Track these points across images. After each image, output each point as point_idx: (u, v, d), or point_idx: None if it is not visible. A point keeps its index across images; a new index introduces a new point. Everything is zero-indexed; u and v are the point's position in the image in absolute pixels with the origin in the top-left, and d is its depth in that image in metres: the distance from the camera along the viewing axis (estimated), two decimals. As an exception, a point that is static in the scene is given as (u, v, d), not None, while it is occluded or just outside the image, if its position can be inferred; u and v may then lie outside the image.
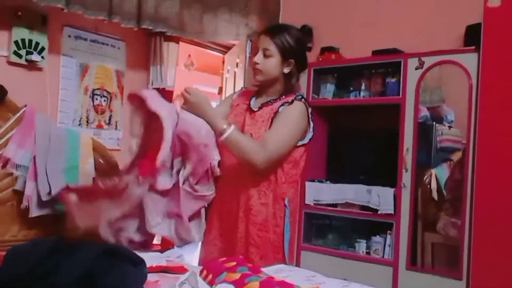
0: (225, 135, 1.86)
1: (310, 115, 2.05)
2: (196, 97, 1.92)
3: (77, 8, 2.93)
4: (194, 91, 1.95)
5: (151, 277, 1.62)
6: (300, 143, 2.04)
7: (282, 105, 2.01)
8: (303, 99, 2.05)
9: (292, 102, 2.01)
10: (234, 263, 1.51)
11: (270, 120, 2.01)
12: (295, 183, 2.07)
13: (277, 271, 1.60)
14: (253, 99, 2.13)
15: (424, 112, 3.42)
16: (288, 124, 1.99)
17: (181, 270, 1.69)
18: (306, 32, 2.13)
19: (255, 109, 2.07)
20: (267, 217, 1.99)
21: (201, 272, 1.49)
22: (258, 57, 2.02)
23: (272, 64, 2.00)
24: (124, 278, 1.38)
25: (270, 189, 2.00)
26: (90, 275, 1.29)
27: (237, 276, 1.42)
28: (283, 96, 2.06)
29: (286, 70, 2.03)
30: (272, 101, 2.06)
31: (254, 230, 1.98)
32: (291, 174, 2.04)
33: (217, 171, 1.97)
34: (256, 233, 1.98)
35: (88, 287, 1.27)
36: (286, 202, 2.01)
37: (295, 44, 2.01)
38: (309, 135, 2.06)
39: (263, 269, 1.57)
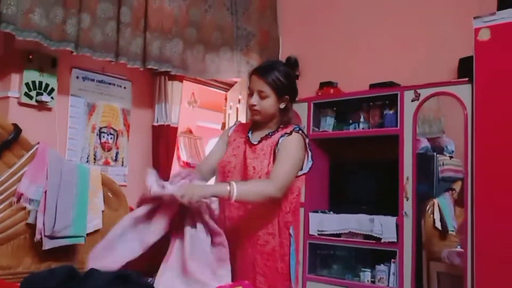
0: (234, 194, 1.86)
1: (308, 146, 2.12)
2: (187, 190, 1.84)
3: (85, 50, 3.09)
4: (181, 189, 1.86)
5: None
6: (300, 173, 2.10)
7: (282, 135, 2.08)
8: (300, 131, 2.12)
9: (291, 133, 2.08)
10: (240, 287, 1.57)
11: (271, 151, 2.08)
12: (297, 211, 2.13)
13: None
14: (250, 132, 2.18)
15: (425, 143, 3.50)
16: (291, 157, 2.04)
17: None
18: (293, 64, 2.19)
19: (255, 143, 2.12)
20: (275, 246, 2.02)
21: (209, 296, 1.55)
22: (255, 99, 2.07)
23: (268, 104, 2.07)
24: (136, 303, 1.45)
25: (276, 220, 2.04)
26: (103, 300, 1.36)
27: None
28: (281, 128, 2.13)
29: (282, 106, 2.10)
30: (270, 134, 2.12)
31: (261, 260, 2.01)
32: (294, 203, 2.10)
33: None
34: (263, 263, 2.01)
35: (102, 311, 1.34)
36: (291, 230, 2.06)
37: (287, 81, 2.07)
38: (309, 164, 2.12)
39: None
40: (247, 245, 2.04)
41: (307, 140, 2.13)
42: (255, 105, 2.08)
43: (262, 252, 2.01)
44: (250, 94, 2.11)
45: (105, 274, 1.46)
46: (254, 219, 2.04)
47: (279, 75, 2.06)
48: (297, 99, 2.21)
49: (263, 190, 1.94)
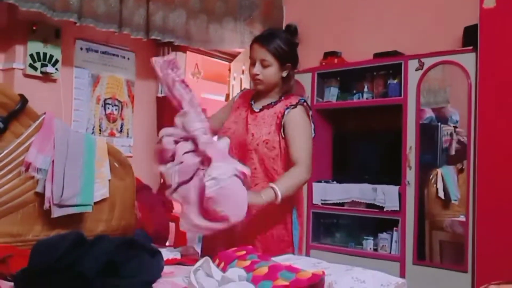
0: (279, 197, 1.91)
1: (311, 117, 2.14)
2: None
3: (89, 21, 3.08)
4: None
5: (167, 269, 1.73)
6: None
7: (287, 108, 2.08)
8: (305, 103, 2.13)
9: (296, 106, 2.08)
10: (244, 252, 1.62)
11: (276, 122, 2.08)
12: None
13: (284, 260, 1.70)
14: (253, 101, 2.19)
15: (429, 113, 3.50)
16: (304, 131, 2.07)
17: (195, 262, 1.79)
18: (293, 32, 2.22)
19: (257, 110, 2.14)
20: (270, 214, 2.02)
21: (214, 260, 1.59)
22: (257, 68, 2.07)
23: (271, 72, 2.07)
24: (144, 266, 1.49)
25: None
26: (112, 264, 1.40)
27: (247, 263, 1.53)
28: (283, 97, 2.13)
29: (284, 74, 2.11)
30: (273, 103, 2.13)
31: (260, 226, 2.05)
32: None
33: None
34: (261, 229, 2.06)
35: (111, 274, 1.39)
36: (294, 210, 2.12)
37: (288, 48, 2.08)
38: (312, 135, 2.15)
39: (272, 258, 1.67)
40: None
41: (310, 112, 2.15)
42: (258, 75, 2.08)
43: (258, 218, 1.99)
44: (252, 64, 2.11)
45: (113, 240, 1.50)
46: (254, 187, 2.04)
47: (281, 43, 2.05)
48: (298, 67, 2.21)
49: (300, 181, 2.01)
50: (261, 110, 2.14)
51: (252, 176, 2.00)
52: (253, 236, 2.07)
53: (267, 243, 2.06)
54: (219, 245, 2.00)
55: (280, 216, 2.09)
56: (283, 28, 2.24)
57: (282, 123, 2.07)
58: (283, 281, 1.38)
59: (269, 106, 2.12)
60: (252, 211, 1.85)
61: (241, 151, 2.09)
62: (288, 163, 2.07)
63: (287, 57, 2.08)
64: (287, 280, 1.38)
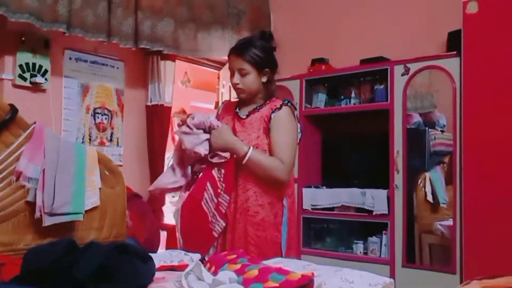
0: (247, 156, 2.04)
1: (296, 117, 2.19)
2: (221, 129, 2.12)
3: (78, 31, 3.11)
4: (221, 125, 2.14)
5: (158, 274, 1.75)
6: None
7: (273, 111, 2.14)
8: (289, 103, 2.18)
9: (281, 107, 2.13)
10: (235, 255, 1.64)
11: (263, 126, 2.13)
12: (291, 182, 2.20)
13: (275, 263, 1.72)
14: (238, 108, 2.24)
15: (417, 118, 3.55)
16: (288, 131, 2.13)
17: (186, 267, 1.81)
18: (268, 37, 2.24)
19: (244, 117, 2.18)
20: (264, 217, 2.09)
21: (205, 264, 1.61)
22: (237, 78, 2.14)
23: (250, 80, 2.13)
24: (135, 271, 1.51)
25: (266, 191, 2.11)
26: (104, 269, 1.42)
27: (238, 266, 1.55)
28: (268, 102, 2.19)
29: (264, 80, 2.16)
30: (258, 107, 2.18)
31: (252, 230, 2.09)
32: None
33: None
34: (254, 233, 2.09)
35: (103, 279, 1.40)
36: (284, 201, 2.14)
37: (264, 54, 2.13)
38: (299, 135, 2.20)
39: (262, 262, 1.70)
40: (239, 216, 2.11)
41: (296, 112, 2.20)
42: (238, 84, 2.15)
43: (253, 223, 2.09)
44: (232, 74, 2.18)
45: (104, 246, 1.52)
46: (245, 192, 2.11)
47: (256, 50, 2.12)
48: (277, 70, 2.25)
49: (272, 170, 2.07)
50: (247, 116, 2.18)
51: (244, 181, 2.11)
52: (248, 241, 2.10)
53: (262, 248, 2.09)
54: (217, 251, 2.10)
55: (272, 218, 2.12)
56: (258, 35, 2.26)
57: (269, 126, 2.12)
58: (273, 283, 1.41)
59: (255, 111, 2.18)
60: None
61: (232, 159, 2.12)
62: None
63: (264, 63, 2.13)
64: (277, 282, 1.41)
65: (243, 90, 2.15)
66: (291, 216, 2.19)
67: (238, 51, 2.14)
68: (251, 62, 2.11)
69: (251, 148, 2.06)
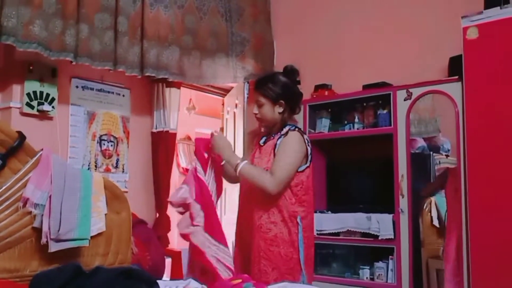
0: (238, 169, 2.30)
1: (306, 141, 2.41)
2: (220, 140, 2.39)
3: (84, 60, 3.16)
4: (220, 135, 2.43)
5: (164, 300, 1.75)
6: (303, 166, 2.39)
7: (280, 137, 2.40)
8: (296, 129, 2.43)
9: (287, 133, 2.40)
10: (240, 280, 1.65)
11: (272, 152, 2.39)
12: (305, 202, 2.38)
13: (280, 287, 1.72)
14: (263, 137, 2.52)
15: (421, 143, 3.57)
16: (288, 152, 2.35)
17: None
18: (289, 72, 2.51)
19: (262, 144, 2.48)
20: (277, 233, 2.30)
21: (210, 289, 1.62)
22: (255, 109, 2.47)
23: (265, 111, 2.43)
24: (141, 296, 1.52)
25: (278, 210, 2.33)
26: (110, 294, 1.43)
27: (243, 291, 1.55)
28: (281, 130, 2.45)
29: (279, 110, 2.42)
30: (273, 135, 2.45)
31: (265, 245, 2.30)
32: (300, 195, 2.37)
33: None
34: (267, 248, 2.29)
35: (109, 304, 1.41)
36: (298, 219, 2.33)
37: (280, 89, 2.41)
38: (309, 157, 2.41)
39: (268, 286, 1.70)
40: (254, 233, 2.33)
41: (305, 136, 2.43)
42: (256, 114, 2.47)
43: (266, 239, 2.31)
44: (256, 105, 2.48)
45: (110, 270, 1.53)
46: (257, 210, 2.35)
47: (271, 85, 2.42)
48: (295, 102, 2.50)
49: (261, 181, 2.29)
50: (264, 143, 2.47)
51: (257, 203, 2.36)
52: (261, 256, 2.29)
53: (276, 262, 2.27)
54: (237, 264, 2.35)
55: (287, 235, 2.31)
56: (281, 68, 2.56)
57: (276, 151, 2.37)
58: (278, 306, 1.41)
59: (270, 138, 2.46)
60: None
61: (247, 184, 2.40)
62: (295, 183, 2.36)
63: (278, 96, 2.41)
64: (282, 306, 1.41)
65: (261, 119, 2.47)
66: (308, 235, 2.36)
67: (256, 85, 2.48)
68: (265, 95, 2.41)
69: (245, 162, 2.33)
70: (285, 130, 2.42)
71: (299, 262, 2.28)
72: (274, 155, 2.37)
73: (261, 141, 2.50)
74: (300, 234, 2.31)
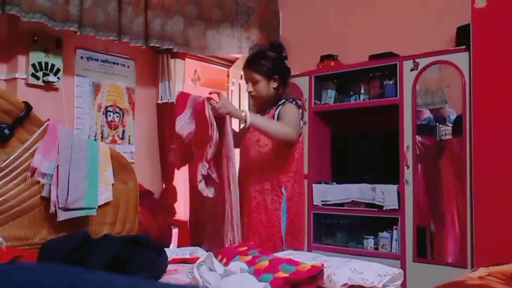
0: (248, 121, 2.26)
1: (300, 115, 2.49)
2: (226, 100, 2.41)
3: (88, 30, 3.14)
4: (222, 98, 2.37)
5: (171, 267, 1.78)
6: None
7: (277, 108, 2.46)
8: (294, 101, 2.48)
9: (284, 103, 2.46)
10: (246, 247, 1.67)
11: None
12: (290, 173, 2.45)
13: (285, 255, 1.75)
14: (256, 113, 2.52)
15: (427, 114, 3.55)
16: (292, 115, 2.41)
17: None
18: (277, 47, 2.54)
19: None
20: (260, 201, 2.40)
21: (216, 256, 1.64)
22: (250, 87, 2.49)
23: (261, 87, 2.47)
24: (148, 263, 1.54)
25: (264, 179, 2.41)
26: (118, 260, 1.45)
27: (249, 257, 1.58)
28: (277, 104, 2.50)
29: (274, 85, 2.48)
30: (269, 109, 2.50)
31: (249, 212, 2.40)
32: (287, 165, 2.44)
33: None
34: (250, 215, 2.40)
35: (116, 270, 1.44)
36: (282, 189, 2.42)
37: (272, 64, 2.46)
38: (300, 131, 2.46)
39: (273, 254, 1.72)
40: (242, 201, 2.39)
41: (300, 110, 2.50)
42: (251, 92, 2.49)
43: (250, 206, 2.41)
44: (247, 84, 2.52)
45: (118, 238, 1.55)
46: (247, 178, 2.43)
47: (263, 61, 2.45)
48: (287, 76, 2.55)
49: (281, 128, 2.33)
50: None
51: (246, 169, 2.44)
52: (244, 222, 2.37)
53: (257, 227, 2.37)
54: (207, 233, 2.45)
55: (270, 203, 2.40)
56: (268, 46, 2.59)
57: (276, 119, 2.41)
58: (283, 273, 1.44)
59: (265, 112, 2.49)
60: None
61: (242, 154, 2.48)
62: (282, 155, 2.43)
63: (271, 71, 2.45)
64: (287, 272, 1.43)
65: (256, 96, 2.50)
66: (294, 204, 2.43)
67: (248, 64, 2.51)
68: (259, 72, 2.44)
69: (249, 112, 2.33)
70: (281, 102, 2.47)
71: (280, 229, 2.36)
72: None
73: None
74: (284, 203, 2.40)
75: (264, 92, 2.47)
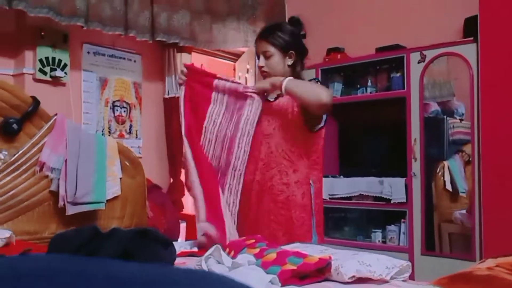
0: (284, 84, 1.96)
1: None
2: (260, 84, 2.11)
3: (95, 25, 3.15)
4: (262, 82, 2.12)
5: (179, 260, 1.78)
6: (318, 126, 2.13)
7: None
8: (319, 82, 2.21)
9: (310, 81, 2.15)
10: (253, 240, 1.67)
11: (293, 107, 2.06)
12: (317, 165, 2.15)
13: (292, 248, 1.75)
14: (266, 94, 2.16)
15: (435, 107, 3.54)
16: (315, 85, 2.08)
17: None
18: (295, 23, 2.22)
19: (272, 100, 2.14)
20: (289, 196, 2.06)
21: (224, 249, 1.65)
22: (261, 61, 2.13)
23: (275, 62, 2.11)
24: (157, 256, 1.55)
25: (291, 170, 2.07)
26: (127, 254, 1.46)
27: (256, 250, 1.58)
28: None
29: (289, 62, 2.13)
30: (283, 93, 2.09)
31: (275, 209, 2.06)
32: (314, 157, 2.13)
33: None
34: (278, 211, 2.06)
35: (126, 263, 1.44)
36: (311, 182, 2.10)
37: (289, 37, 2.12)
38: (325, 117, 2.16)
39: (280, 247, 1.72)
40: (264, 193, 2.08)
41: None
42: (263, 67, 2.13)
43: (276, 201, 2.06)
44: (258, 59, 2.18)
45: (126, 231, 1.56)
46: (269, 170, 2.08)
47: (280, 33, 2.11)
48: (305, 55, 2.23)
49: (315, 88, 1.99)
50: (276, 98, 2.14)
51: (268, 158, 2.08)
52: (271, 219, 2.07)
53: (287, 227, 2.06)
54: (244, 228, 2.06)
55: (300, 198, 2.08)
56: (286, 21, 2.26)
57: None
58: (291, 265, 1.44)
59: (279, 95, 2.13)
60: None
61: (256, 139, 2.10)
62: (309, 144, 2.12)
63: (288, 45, 2.11)
64: (295, 265, 1.43)
65: (268, 73, 2.12)
66: (319, 200, 2.15)
67: (262, 34, 2.16)
68: (274, 44, 2.10)
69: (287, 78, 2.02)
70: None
71: (311, 228, 2.10)
72: (300, 109, 2.04)
73: (270, 97, 2.15)
74: (312, 199, 2.10)
75: (277, 69, 2.10)
